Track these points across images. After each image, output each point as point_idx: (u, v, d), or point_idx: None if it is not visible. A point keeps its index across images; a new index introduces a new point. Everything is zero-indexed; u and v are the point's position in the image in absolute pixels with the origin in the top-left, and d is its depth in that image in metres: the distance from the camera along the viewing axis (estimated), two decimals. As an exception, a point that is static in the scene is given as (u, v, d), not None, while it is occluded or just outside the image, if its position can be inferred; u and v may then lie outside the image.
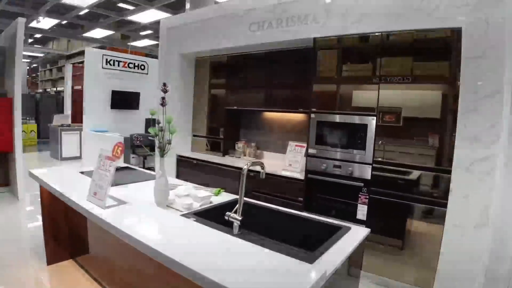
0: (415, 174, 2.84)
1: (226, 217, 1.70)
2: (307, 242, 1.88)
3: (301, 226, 2.01)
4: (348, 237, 1.72)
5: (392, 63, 2.89)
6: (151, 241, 1.48)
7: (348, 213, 3.10)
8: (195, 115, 4.94)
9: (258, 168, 1.81)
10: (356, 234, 1.76)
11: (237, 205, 1.68)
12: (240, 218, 1.65)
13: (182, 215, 1.89)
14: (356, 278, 1.83)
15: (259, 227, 2.06)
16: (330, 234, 1.73)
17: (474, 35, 2.47)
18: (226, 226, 1.75)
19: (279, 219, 2.11)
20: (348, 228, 1.83)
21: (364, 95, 3.05)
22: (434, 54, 2.78)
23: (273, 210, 2.16)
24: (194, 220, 1.78)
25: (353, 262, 1.68)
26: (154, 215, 1.92)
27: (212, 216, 1.94)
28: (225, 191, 2.51)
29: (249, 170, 1.64)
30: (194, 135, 4.96)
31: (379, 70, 2.92)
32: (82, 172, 2.85)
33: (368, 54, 3.07)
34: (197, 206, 2.08)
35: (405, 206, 2.86)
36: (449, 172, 2.60)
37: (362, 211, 3.05)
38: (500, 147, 2.40)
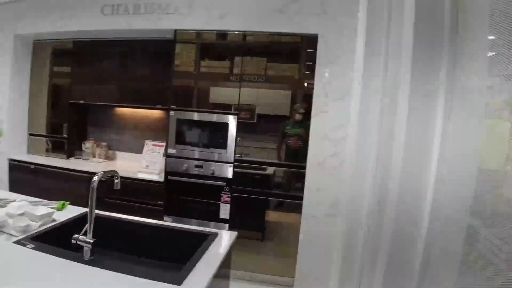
0: (272, 170, 2.96)
1: (74, 241, 1.34)
2: (175, 254, 1.70)
3: (166, 237, 1.79)
4: (217, 244, 1.62)
5: (252, 62, 2.94)
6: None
7: (211, 213, 3.03)
8: (32, 109, 4.05)
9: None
10: (224, 240, 1.68)
11: (87, 225, 1.35)
12: (91, 241, 1.31)
13: (16, 241, 1.42)
14: (227, 279, 1.76)
15: (117, 243, 1.75)
16: (199, 242, 1.61)
17: (329, 42, 2.69)
18: (75, 250, 1.39)
19: (140, 231, 1.83)
20: (216, 234, 1.73)
21: (225, 93, 3.00)
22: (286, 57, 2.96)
23: (131, 222, 1.86)
24: (32, 248, 1.37)
25: (224, 266, 1.56)
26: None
27: (56, 239, 1.52)
28: (71, 203, 2.03)
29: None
30: (31, 134, 4.09)
31: (240, 69, 2.92)
32: None
33: (229, 51, 3.03)
34: (36, 226, 1.62)
35: (265, 202, 2.97)
36: (304, 167, 2.78)
37: (224, 210, 3.00)
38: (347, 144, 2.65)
